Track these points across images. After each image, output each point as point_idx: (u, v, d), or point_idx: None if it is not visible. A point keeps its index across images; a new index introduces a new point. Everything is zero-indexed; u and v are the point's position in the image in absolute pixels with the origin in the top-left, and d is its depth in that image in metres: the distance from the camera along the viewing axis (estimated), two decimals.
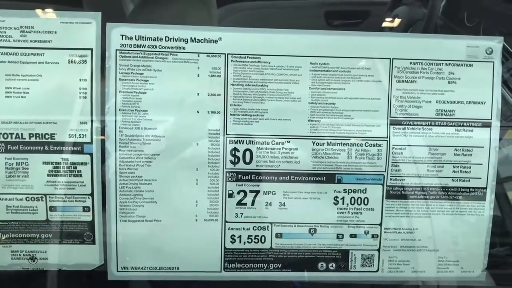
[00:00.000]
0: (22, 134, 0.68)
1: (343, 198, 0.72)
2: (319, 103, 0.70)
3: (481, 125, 0.72)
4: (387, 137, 0.71)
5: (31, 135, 0.68)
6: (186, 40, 0.68)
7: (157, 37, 0.68)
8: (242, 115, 0.70)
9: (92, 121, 0.68)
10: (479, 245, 0.74)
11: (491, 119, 0.72)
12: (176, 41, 0.68)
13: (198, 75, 0.69)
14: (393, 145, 0.71)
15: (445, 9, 1.27)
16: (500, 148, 0.79)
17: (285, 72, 0.70)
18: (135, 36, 0.68)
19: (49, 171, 0.69)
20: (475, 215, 0.73)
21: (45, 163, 0.69)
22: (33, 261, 0.72)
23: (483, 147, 0.72)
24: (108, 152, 0.69)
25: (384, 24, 1.39)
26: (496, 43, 0.71)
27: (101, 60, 0.68)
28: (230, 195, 0.71)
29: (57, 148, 0.69)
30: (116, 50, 0.68)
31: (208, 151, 0.70)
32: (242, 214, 0.72)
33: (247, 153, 0.70)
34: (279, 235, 0.73)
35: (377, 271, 0.74)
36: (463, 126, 0.72)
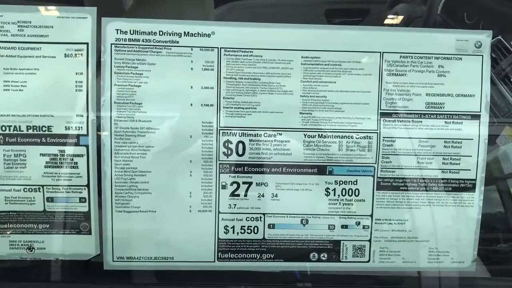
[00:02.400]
0: (19, 126, 0.70)
1: (334, 189, 0.73)
2: (310, 96, 0.71)
3: (471, 117, 0.73)
4: (377, 130, 0.72)
5: (29, 128, 0.70)
6: (179, 34, 0.70)
7: (151, 31, 0.70)
8: (235, 108, 0.71)
9: (88, 114, 0.70)
10: (469, 236, 0.75)
11: (480, 111, 0.73)
12: (170, 35, 0.70)
13: (192, 69, 0.70)
14: (383, 137, 0.72)
15: (444, 7, 1.27)
16: (500, 144, 0.80)
17: (277, 66, 0.71)
18: (130, 30, 0.69)
19: (46, 162, 0.71)
20: (465, 207, 0.74)
21: (42, 155, 0.70)
22: (31, 251, 0.73)
23: (472, 139, 0.73)
24: (103, 144, 0.70)
25: (384, 22, 1.39)
26: (485, 37, 0.72)
27: (97, 54, 0.70)
28: (224, 187, 0.73)
29: (54, 140, 0.70)
30: (111, 44, 0.69)
31: (201, 143, 0.71)
32: (235, 205, 0.73)
33: (240, 145, 0.72)
34: (271, 226, 0.74)
35: (368, 261, 0.75)
36: (452, 118, 0.73)
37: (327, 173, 0.73)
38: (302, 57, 0.71)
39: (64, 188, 0.71)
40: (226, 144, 0.72)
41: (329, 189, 0.73)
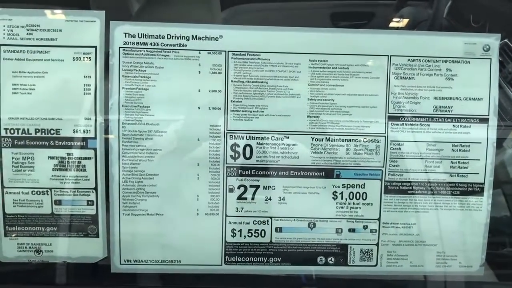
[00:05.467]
0: (28, 129, 0.70)
1: (341, 193, 0.73)
2: (318, 100, 0.71)
3: (479, 121, 0.72)
4: (385, 133, 0.72)
5: (37, 131, 0.70)
6: (187, 37, 0.70)
7: (159, 35, 0.70)
8: (242, 111, 0.71)
9: (96, 117, 0.70)
10: (477, 240, 0.75)
11: (488, 115, 0.72)
12: (177, 38, 0.70)
13: (199, 72, 0.70)
14: (391, 140, 0.72)
15: (450, 10, 1.27)
16: (507, 148, 0.80)
17: (284, 69, 0.71)
18: (138, 34, 0.70)
19: (54, 165, 0.71)
20: (473, 210, 0.74)
21: (51, 158, 0.71)
22: (39, 253, 0.74)
23: (480, 143, 0.72)
24: (111, 147, 0.70)
25: (390, 25, 1.39)
26: (493, 40, 0.72)
27: (105, 58, 0.70)
28: (231, 190, 0.73)
29: (62, 143, 0.71)
30: (120, 47, 0.70)
31: (209, 146, 0.71)
32: (243, 208, 0.73)
33: (247, 148, 0.72)
34: (278, 229, 0.74)
35: (375, 265, 0.75)
36: (460, 122, 0.72)
37: (334, 177, 0.73)
38: (309, 60, 0.71)
39: (72, 191, 0.71)
40: (234, 147, 0.72)
41: (336, 192, 0.73)
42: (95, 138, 0.71)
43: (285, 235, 0.74)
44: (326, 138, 0.72)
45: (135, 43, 0.70)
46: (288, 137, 0.72)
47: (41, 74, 0.69)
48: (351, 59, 0.71)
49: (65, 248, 0.73)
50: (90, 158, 0.71)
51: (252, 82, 0.71)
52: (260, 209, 0.73)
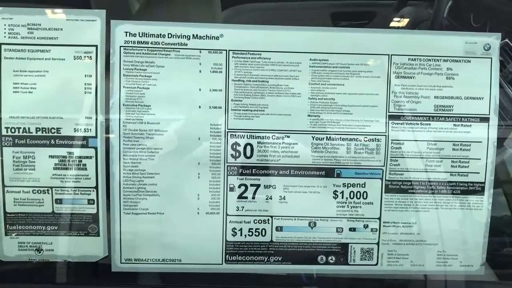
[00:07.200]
0: (29, 128, 0.70)
1: (342, 192, 0.73)
2: (318, 99, 0.71)
3: (479, 120, 0.72)
4: (385, 132, 0.72)
5: (38, 130, 0.70)
6: (188, 36, 0.70)
7: (160, 34, 0.70)
8: (243, 110, 0.71)
9: (96, 116, 0.70)
10: (478, 240, 0.75)
11: (489, 114, 0.72)
12: (178, 37, 0.70)
13: (200, 71, 0.70)
14: (391, 140, 0.72)
15: (451, 10, 1.27)
16: (508, 147, 0.80)
17: (285, 68, 0.71)
18: (139, 33, 0.70)
19: (55, 164, 0.71)
20: (473, 210, 0.74)
21: (51, 156, 0.71)
22: (39, 252, 0.74)
23: (481, 142, 0.72)
24: (112, 146, 0.70)
25: (390, 25, 1.39)
26: (494, 39, 0.72)
27: (106, 57, 0.70)
28: (231, 189, 0.73)
29: (63, 142, 0.71)
30: (120, 46, 0.70)
31: (209, 145, 0.71)
32: (243, 207, 0.73)
33: (248, 147, 0.72)
34: (279, 228, 0.74)
35: (376, 264, 0.75)
36: (461, 121, 0.72)
37: (335, 176, 0.73)
38: (310, 59, 0.71)
39: (72, 190, 0.71)
40: (234, 147, 0.72)
41: (337, 191, 0.73)
42: (95, 137, 0.71)
43: (286, 234, 0.74)
44: (326, 137, 0.72)
45: (136, 42, 0.70)
46: (288, 136, 0.72)
47: (42, 73, 0.69)
48: (352, 58, 0.71)
49: (65, 247, 0.73)
50: (90, 157, 0.71)
51: (253, 81, 0.71)
52: (261, 208, 0.73)
